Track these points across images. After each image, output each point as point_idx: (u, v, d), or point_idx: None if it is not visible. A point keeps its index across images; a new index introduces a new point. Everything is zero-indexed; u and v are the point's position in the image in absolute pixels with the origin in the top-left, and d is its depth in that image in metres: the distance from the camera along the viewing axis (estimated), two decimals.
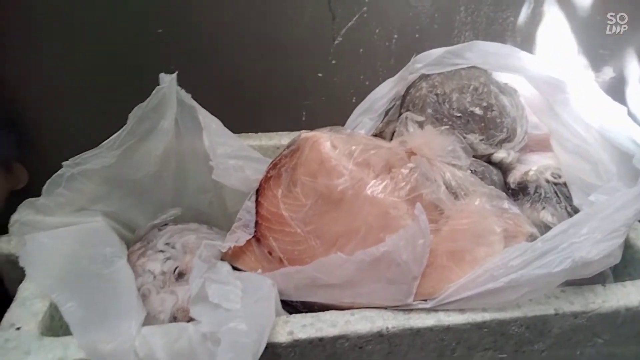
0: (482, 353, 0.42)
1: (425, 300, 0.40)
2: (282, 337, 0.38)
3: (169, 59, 0.68)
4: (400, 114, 0.56)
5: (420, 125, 0.50)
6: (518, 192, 0.52)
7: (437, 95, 0.53)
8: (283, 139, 0.66)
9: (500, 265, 0.39)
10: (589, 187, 0.49)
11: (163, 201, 0.58)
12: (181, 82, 0.55)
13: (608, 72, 0.97)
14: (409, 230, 0.39)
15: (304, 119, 0.96)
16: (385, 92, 0.58)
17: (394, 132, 0.54)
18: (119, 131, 0.51)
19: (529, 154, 0.58)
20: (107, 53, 0.79)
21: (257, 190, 0.48)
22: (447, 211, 0.42)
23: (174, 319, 0.44)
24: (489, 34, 0.92)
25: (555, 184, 0.51)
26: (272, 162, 0.49)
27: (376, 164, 0.44)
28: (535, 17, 0.90)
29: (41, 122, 0.86)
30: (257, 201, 0.48)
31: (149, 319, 0.44)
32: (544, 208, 0.49)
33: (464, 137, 0.52)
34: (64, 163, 0.48)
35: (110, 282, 0.41)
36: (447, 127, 0.51)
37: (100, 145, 0.50)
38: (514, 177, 0.53)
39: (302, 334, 0.38)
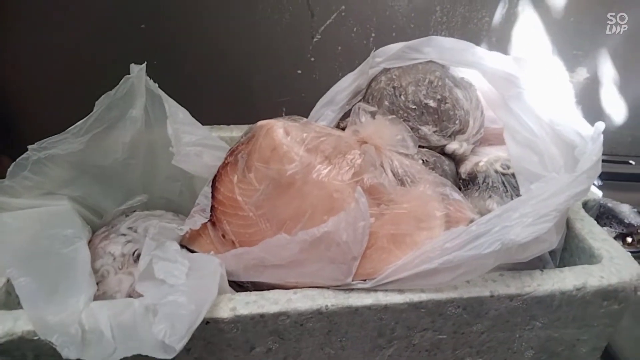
0: (421, 333, 0.44)
1: (365, 280, 0.42)
2: (225, 313, 0.39)
3: (152, 54, 0.71)
4: None
5: (373, 115, 0.51)
6: (468, 182, 0.53)
7: (394, 88, 0.55)
8: None
9: (436, 248, 0.41)
10: (534, 177, 0.50)
11: (132, 188, 0.60)
12: (162, 77, 0.57)
13: (582, 73, 0.99)
14: (350, 213, 0.41)
15: (283, 115, 0.98)
16: (346, 85, 0.60)
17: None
18: (86, 117, 0.53)
19: (486, 147, 0.60)
20: (91, 45, 0.81)
21: (215, 176, 0.50)
22: (390, 196, 0.44)
23: (129, 298, 0.45)
24: (465, 34, 0.94)
25: (504, 174, 0.52)
26: (231, 149, 0.51)
27: (325, 150, 0.46)
28: (510, 17, 0.92)
29: (27, 115, 0.88)
30: (214, 186, 0.50)
31: (106, 299, 0.46)
32: (490, 197, 0.50)
33: (419, 129, 0.54)
34: (29, 146, 0.49)
35: (66, 260, 0.43)
36: (402, 118, 0.53)
37: (66, 130, 0.52)
38: (465, 168, 0.54)
39: (244, 310, 0.40)
